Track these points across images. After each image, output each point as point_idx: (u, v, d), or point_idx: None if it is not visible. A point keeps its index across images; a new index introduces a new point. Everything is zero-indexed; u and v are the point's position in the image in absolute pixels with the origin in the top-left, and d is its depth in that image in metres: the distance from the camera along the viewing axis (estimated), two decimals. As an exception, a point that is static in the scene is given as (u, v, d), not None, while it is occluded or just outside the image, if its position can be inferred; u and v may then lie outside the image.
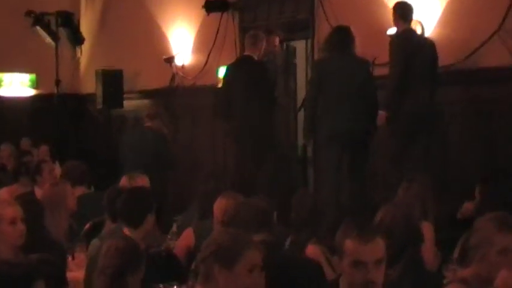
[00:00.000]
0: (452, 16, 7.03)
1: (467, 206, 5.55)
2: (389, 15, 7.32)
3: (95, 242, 4.62)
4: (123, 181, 5.58)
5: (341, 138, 6.61)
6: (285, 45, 9.11)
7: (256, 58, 7.68)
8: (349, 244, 3.04)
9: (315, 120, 6.76)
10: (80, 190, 6.20)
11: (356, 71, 6.70)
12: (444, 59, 7.00)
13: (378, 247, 3.04)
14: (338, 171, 6.65)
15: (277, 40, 8.14)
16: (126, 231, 4.31)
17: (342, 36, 6.73)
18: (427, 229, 4.61)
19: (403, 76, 6.56)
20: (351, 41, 6.67)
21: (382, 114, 6.66)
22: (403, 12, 6.71)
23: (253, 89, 7.44)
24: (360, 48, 7.52)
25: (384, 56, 6.88)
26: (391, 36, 6.93)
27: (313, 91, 6.81)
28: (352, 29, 7.35)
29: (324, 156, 6.97)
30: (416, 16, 7.23)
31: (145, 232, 4.31)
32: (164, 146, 7.78)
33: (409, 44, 6.67)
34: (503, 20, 6.54)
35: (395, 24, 6.80)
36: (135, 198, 4.48)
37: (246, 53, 7.83)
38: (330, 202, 6.22)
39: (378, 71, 7.06)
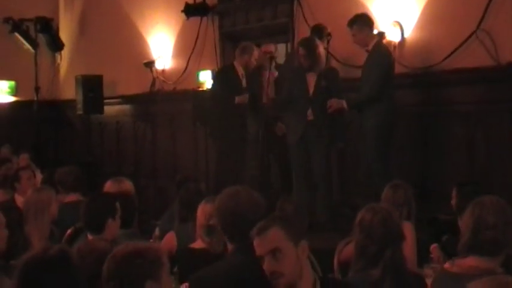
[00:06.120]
0: (430, 18, 7.07)
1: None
2: (368, 18, 7.37)
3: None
4: (109, 185, 5.54)
5: None
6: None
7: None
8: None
9: None
10: (74, 197, 6.18)
11: None
12: (423, 61, 7.06)
13: (268, 238, 3.05)
14: None
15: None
16: (90, 237, 4.28)
17: None
18: (408, 229, 4.63)
19: None
20: None
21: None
22: None
23: None
24: (338, 50, 7.59)
25: (362, 57, 6.92)
26: None
27: None
28: (331, 31, 7.41)
29: None
30: (395, 18, 7.29)
31: (109, 237, 4.26)
32: None
33: None
34: (481, 20, 6.59)
35: None
36: (95, 203, 4.43)
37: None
38: None
39: (357, 73, 7.10)
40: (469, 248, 3.28)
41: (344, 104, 6.76)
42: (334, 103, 6.79)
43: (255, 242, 3.09)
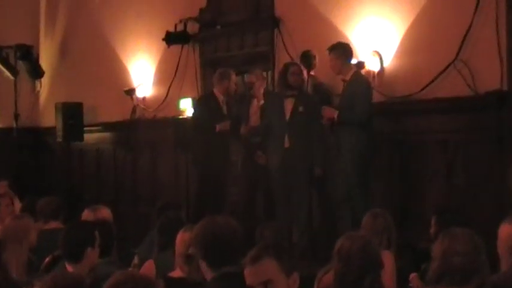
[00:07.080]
0: (409, 48, 7.15)
1: None
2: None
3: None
4: (86, 214, 5.51)
5: None
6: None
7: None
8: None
9: None
10: (53, 224, 6.14)
11: None
12: (402, 90, 7.12)
13: (261, 269, 2.98)
14: None
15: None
16: (68, 266, 4.23)
17: None
18: (388, 257, 4.65)
19: None
20: None
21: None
22: None
23: None
24: (320, 78, 7.65)
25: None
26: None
27: None
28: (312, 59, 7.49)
29: None
30: (374, 47, 7.36)
31: (88, 266, 4.22)
32: None
33: None
34: (459, 51, 6.67)
35: None
36: (74, 232, 4.39)
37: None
38: None
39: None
40: (438, 276, 3.28)
41: (335, 115, 6.81)
42: (327, 112, 6.86)
43: (247, 271, 3.02)
